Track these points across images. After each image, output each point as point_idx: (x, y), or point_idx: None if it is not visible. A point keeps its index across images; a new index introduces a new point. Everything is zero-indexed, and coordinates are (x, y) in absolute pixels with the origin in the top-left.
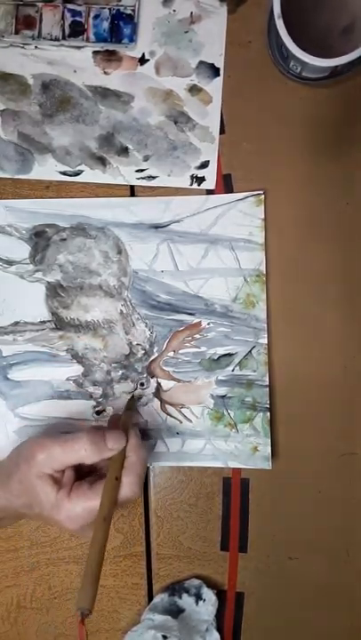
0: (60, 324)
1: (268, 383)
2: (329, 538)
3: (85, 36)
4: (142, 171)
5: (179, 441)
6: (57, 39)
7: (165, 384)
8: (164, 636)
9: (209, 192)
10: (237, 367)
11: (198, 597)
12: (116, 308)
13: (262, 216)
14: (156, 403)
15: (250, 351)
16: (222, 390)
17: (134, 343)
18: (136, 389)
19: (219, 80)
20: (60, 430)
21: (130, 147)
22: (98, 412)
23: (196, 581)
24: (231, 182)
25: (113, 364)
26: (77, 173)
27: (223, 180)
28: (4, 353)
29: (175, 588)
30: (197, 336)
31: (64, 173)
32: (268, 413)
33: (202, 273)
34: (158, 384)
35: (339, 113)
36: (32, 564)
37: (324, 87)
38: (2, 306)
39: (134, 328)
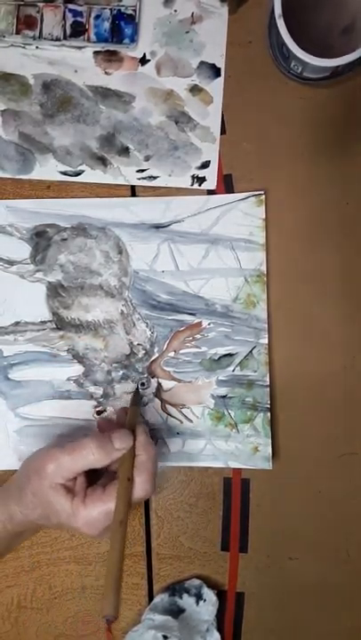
0: (60, 324)
1: (268, 383)
2: (329, 538)
3: (86, 36)
4: (143, 171)
5: (179, 441)
6: (58, 39)
7: (166, 384)
8: (165, 636)
9: (210, 192)
10: (238, 367)
11: (199, 597)
12: (117, 308)
13: (263, 216)
14: (157, 403)
15: (250, 351)
16: (223, 390)
17: (135, 343)
18: (132, 397)
19: (219, 80)
20: (65, 439)
21: (131, 147)
22: (98, 412)
23: (197, 581)
24: (232, 182)
25: (114, 364)
26: (78, 173)
27: (224, 180)
28: (4, 353)
29: (175, 589)
30: (198, 336)
31: (65, 173)
32: (269, 413)
33: (202, 273)
34: (159, 384)
35: (339, 113)
36: (32, 563)
37: (325, 87)
38: (2, 306)
39: (135, 328)
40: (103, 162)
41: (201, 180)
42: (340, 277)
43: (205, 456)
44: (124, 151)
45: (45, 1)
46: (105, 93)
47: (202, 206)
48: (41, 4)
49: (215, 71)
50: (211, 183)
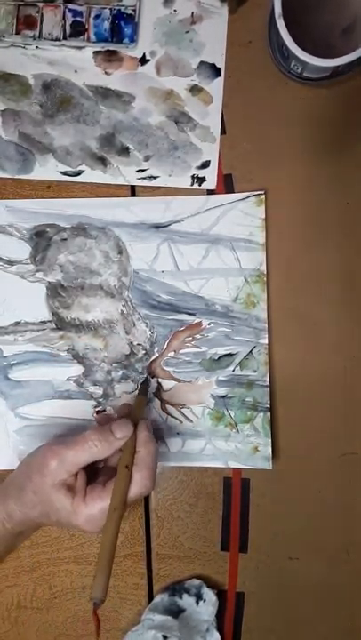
0: (60, 324)
1: (268, 383)
2: (329, 538)
3: (86, 36)
4: (143, 171)
5: (179, 441)
6: (58, 39)
7: (166, 384)
8: (165, 636)
9: (210, 192)
10: (238, 367)
11: (199, 597)
12: (117, 308)
13: (263, 216)
14: (157, 403)
15: (250, 351)
16: (223, 390)
17: (135, 343)
18: (140, 386)
19: (219, 80)
20: (64, 438)
21: (131, 147)
22: (98, 412)
23: (197, 581)
24: (232, 182)
25: (113, 364)
26: (78, 173)
27: (224, 180)
28: (4, 353)
29: (175, 588)
30: (198, 336)
31: (65, 173)
32: (269, 413)
33: (202, 273)
34: (159, 384)
35: (339, 113)
36: (32, 563)
37: (325, 87)
38: (2, 306)
39: (135, 328)
40: (103, 162)
41: (201, 179)
42: (340, 277)
43: (205, 456)
44: (124, 151)
45: (45, 1)
46: (105, 93)
47: (202, 206)
48: (41, 4)
49: (215, 71)
50: (211, 183)
